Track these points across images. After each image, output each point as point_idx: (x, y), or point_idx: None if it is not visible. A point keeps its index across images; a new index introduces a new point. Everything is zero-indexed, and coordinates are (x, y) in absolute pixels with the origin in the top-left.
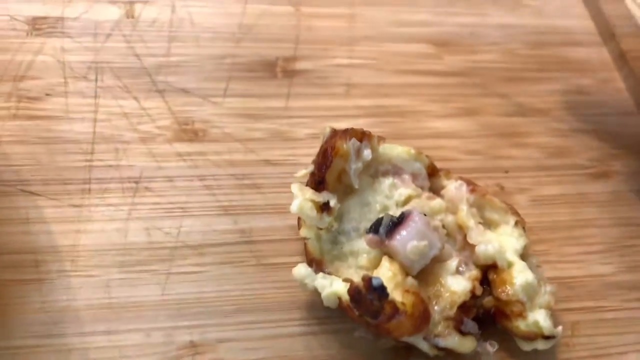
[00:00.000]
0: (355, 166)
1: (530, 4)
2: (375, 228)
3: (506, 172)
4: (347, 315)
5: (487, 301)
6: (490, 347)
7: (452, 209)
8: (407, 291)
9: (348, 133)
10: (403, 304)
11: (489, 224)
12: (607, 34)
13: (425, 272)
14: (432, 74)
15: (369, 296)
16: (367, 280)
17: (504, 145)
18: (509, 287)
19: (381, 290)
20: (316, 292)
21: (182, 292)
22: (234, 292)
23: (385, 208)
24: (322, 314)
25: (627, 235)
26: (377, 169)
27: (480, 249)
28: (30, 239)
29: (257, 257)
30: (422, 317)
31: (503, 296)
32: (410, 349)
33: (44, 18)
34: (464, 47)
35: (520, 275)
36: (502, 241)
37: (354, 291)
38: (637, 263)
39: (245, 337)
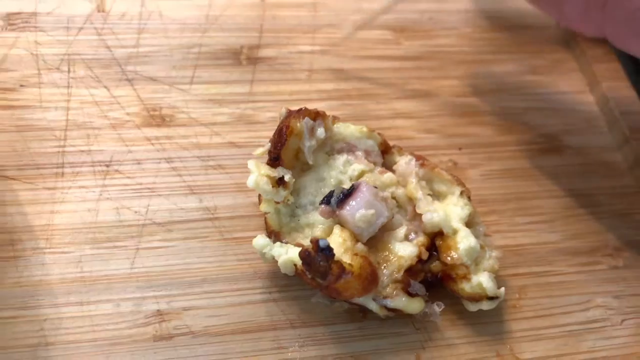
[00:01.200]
0: (309, 144)
1: None
2: (327, 199)
3: (460, 149)
4: (303, 281)
5: (435, 266)
6: (437, 307)
7: (403, 183)
8: (355, 254)
9: (301, 113)
10: (350, 265)
11: (437, 196)
12: None
13: (375, 240)
14: (390, 59)
15: (317, 257)
16: (315, 242)
17: (458, 124)
18: (453, 252)
19: (328, 250)
20: (275, 262)
21: (150, 266)
22: (199, 265)
23: (339, 183)
24: (282, 282)
25: (572, 206)
26: (332, 147)
27: (427, 217)
28: (6, 219)
29: (221, 232)
30: (369, 279)
31: (448, 260)
32: (365, 311)
33: (18, 13)
34: (422, 32)
35: (464, 241)
36: (448, 210)
37: (304, 254)
38: (580, 231)
39: (209, 305)
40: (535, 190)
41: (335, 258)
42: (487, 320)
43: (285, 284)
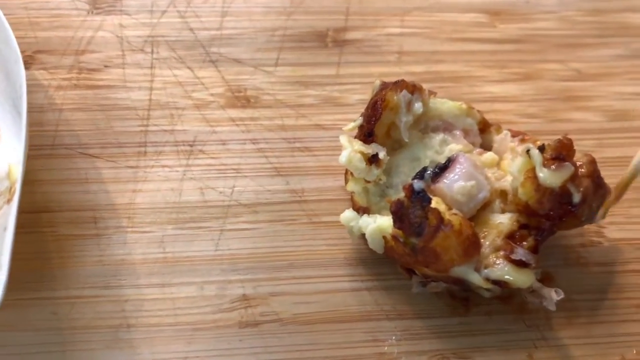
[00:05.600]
0: (405, 119)
1: None
2: (420, 175)
3: (566, 134)
4: (393, 261)
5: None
6: (555, 295)
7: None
8: (453, 214)
9: (399, 85)
10: (449, 220)
11: None
12: None
13: (473, 219)
14: (486, 42)
15: (411, 207)
16: (409, 186)
17: (562, 109)
18: None
19: (423, 193)
20: (366, 247)
21: (235, 248)
22: (286, 248)
23: (435, 163)
24: (374, 270)
25: None
26: (427, 124)
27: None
28: (89, 197)
29: (309, 215)
30: (470, 239)
31: None
32: (468, 303)
33: None
34: (518, 15)
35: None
36: None
37: (396, 205)
38: None
39: (297, 291)
40: None
41: (432, 205)
42: (607, 319)
43: (379, 272)
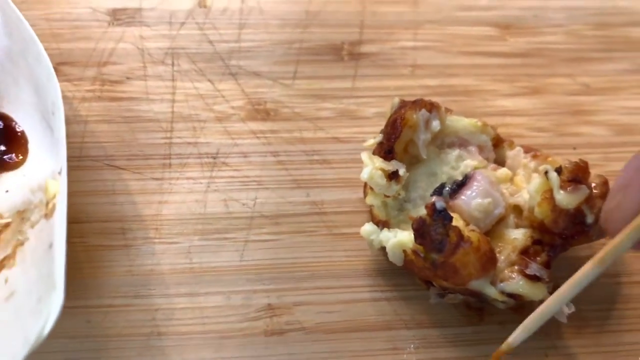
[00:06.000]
0: (424, 136)
1: None
2: (439, 191)
3: (574, 148)
4: (412, 273)
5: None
6: (567, 309)
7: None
8: (472, 231)
9: (417, 104)
10: (468, 237)
11: None
12: None
13: (488, 233)
14: (496, 55)
15: (433, 225)
16: (431, 205)
17: (571, 123)
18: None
19: (444, 212)
20: (385, 258)
21: (259, 259)
22: (307, 259)
23: (451, 178)
24: (393, 281)
25: None
26: (443, 141)
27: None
28: (117, 208)
29: (329, 227)
30: (488, 255)
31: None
32: (482, 313)
33: (123, 9)
34: (528, 29)
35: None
36: None
37: (418, 223)
38: None
39: (319, 300)
40: None
41: (453, 223)
42: (615, 329)
43: (398, 283)
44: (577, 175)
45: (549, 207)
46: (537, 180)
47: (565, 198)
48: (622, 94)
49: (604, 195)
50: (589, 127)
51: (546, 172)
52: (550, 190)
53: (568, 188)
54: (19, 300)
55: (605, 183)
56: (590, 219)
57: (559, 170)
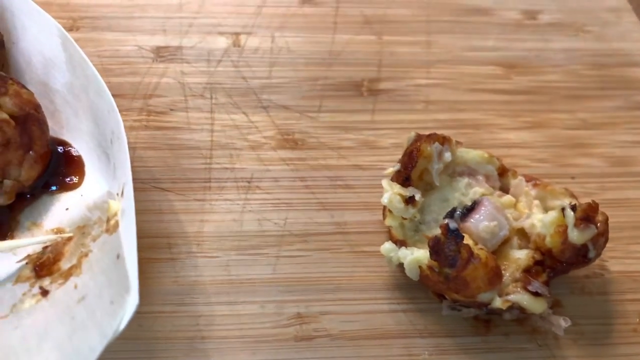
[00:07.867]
0: (437, 166)
1: (591, 30)
2: (450, 214)
3: (572, 178)
4: (427, 287)
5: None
6: (564, 322)
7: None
8: (480, 249)
9: (431, 137)
10: (478, 254)
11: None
12: None
13: (495, 253)
14: (502, 92)
15: (446, 243)
16: (445, 225)
17: (569, 155)
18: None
19: (457, 232)
20: (401, 273)
21: (290, 272)
22: (332, 274)
23: (461, 204)
24: (409, 294)
25: None
26: (454, 170)
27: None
28: (164, 226)
29: (351, 245)
30: (494, 270)
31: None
32: (489, 324)
33: (166, 47)
34: (530, 68)
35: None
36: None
37: (433, 241)
38: None
39: (343, 311)
40: None
41: (464, 241)
42: (609, 342)
43: (413, 296)
44: (589, 215)
45: (560, 240)
46: (553, 214)
47: (577, 235)
48: (617, 129)
49: (604, 232)
50: (587, 158)
51: (563, 209)
52: (564, 225)
53: (581, 226)
54: (91, 303)
55: (606, 221)
56: (592, 253)
57: (573, 208)
